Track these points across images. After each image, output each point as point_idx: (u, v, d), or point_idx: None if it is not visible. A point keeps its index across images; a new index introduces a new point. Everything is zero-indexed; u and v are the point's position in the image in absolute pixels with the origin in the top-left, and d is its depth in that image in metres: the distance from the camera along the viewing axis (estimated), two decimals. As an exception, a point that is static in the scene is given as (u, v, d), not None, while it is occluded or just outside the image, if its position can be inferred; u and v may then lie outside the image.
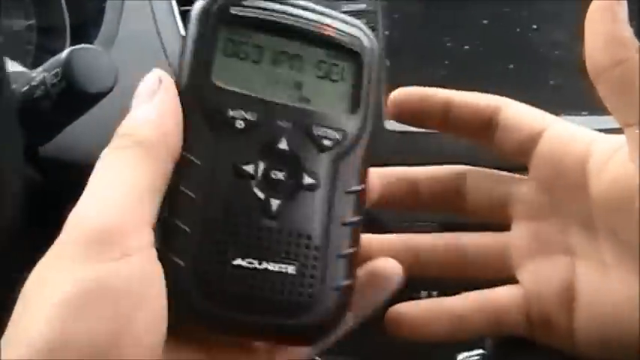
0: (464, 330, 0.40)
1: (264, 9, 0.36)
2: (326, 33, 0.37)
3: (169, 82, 0.35)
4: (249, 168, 0.34)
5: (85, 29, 0.76)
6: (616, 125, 0.37)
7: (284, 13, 0.36)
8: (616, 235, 0.37)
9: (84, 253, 0.30)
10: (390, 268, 0.38)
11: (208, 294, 0.33)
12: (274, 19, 0.36)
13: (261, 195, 0.34)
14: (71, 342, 0.28)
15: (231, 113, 0.34)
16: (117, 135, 0.34)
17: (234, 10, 0.35)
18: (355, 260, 0.36)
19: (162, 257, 0.32)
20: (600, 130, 0.40)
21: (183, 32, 0.65)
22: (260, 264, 0.34)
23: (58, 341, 0.28)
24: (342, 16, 0.38)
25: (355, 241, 0.36)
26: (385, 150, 0.59)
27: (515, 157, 0.41)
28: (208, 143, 0.34)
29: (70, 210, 0.31)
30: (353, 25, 0.38)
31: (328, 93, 0.37)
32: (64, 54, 0.54)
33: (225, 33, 0.35)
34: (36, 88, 0.54)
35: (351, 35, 0.37)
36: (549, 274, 0.40)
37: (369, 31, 0.38)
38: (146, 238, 0.32)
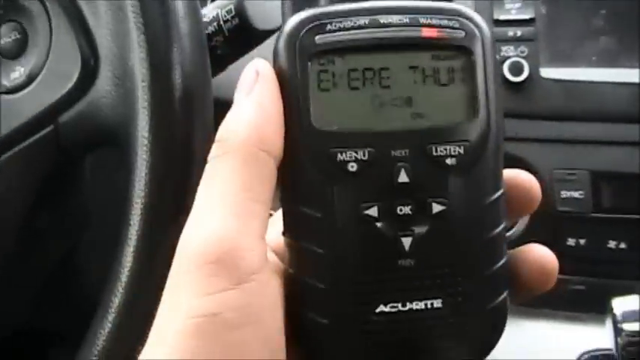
0: None
1: (352, 27, 0.33)
2: (426, 34, 0.33)
3: (268, 75, 0.33)
4: (373, 211, 0.32)
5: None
6: None
7: (372, 25, 0.33)
8: None
9: (196, 285, 0.29)
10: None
11: (357, 348, 0.33)
12: (364, 35, 0.33)
13: (390, 235, 0.32)
14: None
15: (340, 158, 0.32)
16: (215, 142, 0.32)
17: (319, 39, 0.33)
18: (505, 271, 0.34)
19: (302, 317, 0.32)
20: None
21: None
22: (404, 306, 0.32)
23: None
24: (438, 5, 0.34)
25: (502, 251, 0.34)
26: (542, 99, 0.60)
27: None
28: (324, 193, 0.32)
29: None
30: (454, 14, 0.34)
31: (442, 101, 0.33)
32: (237, -8, 0.56)
33: (315, 67, 0.33)
34: (209, 24, 0.57)
35: (454, 28, 0.34)
36: None
37: (473, 15, 0.34)
38: (261, 255, 0.31)
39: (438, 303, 0.32)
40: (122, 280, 0.46)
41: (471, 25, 0.34)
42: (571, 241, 0.60)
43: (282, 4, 0.37)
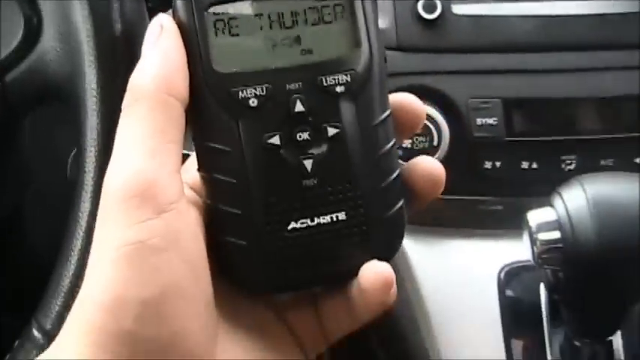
0: None
1: None
2: None
3: (171, 28, 0.35)
4: (275, 140, 0.36)
5: None
6: None
7: None
8: None
9: (122, 218, 0.32)
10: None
11: (275, 263, 0.36)
12: None
13: (293, 159, 0.36)
14: (124, 302, 0.32)
15: (241, 95, 0.35)
16: (127, 91, 0.35)
17: None
18: (399, 182, 0.38)
19: (221, 242, 0.36)
20: None
21: None
22: (312, 221, 0.36)
23: (114, 300, 0.32)
24: None
25: (395, 165, 0.38)
26: (455, 34, 0.63)
27: None
28: (230, 128, 0.35)
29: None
30: None
31: (327, 37, 0.37)
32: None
33: (211, 16, 0.36)
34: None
35: None
36: None
37: None
38: (178, 187, 0.34)
39: (342, 215, 0.36)
40: (82, 224, 0.49)
41: None
42: (488, 164, 0.63)
43: None
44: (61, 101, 0.53)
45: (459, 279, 0.65)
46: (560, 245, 0.50)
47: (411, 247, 0.65)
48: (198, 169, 0.37)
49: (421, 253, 0.66)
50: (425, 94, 0.61)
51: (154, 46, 0.35)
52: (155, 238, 0.32)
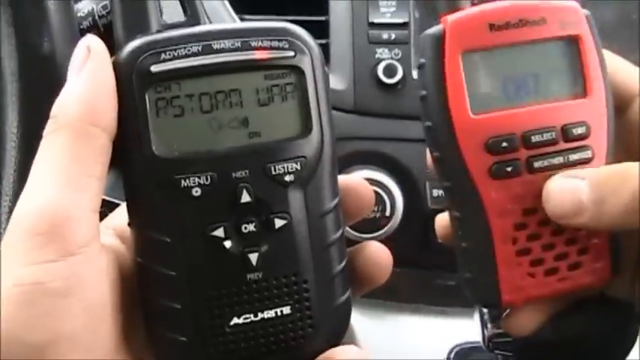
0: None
1: (186, 55, 0.33)
2: (257, 57, 0.34)
3: (99, 51, 0.33)
4: (219, 232, 0.33)
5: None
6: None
7: (206, 51, 0.34)
8: None
9: (25, 253, 0.30)
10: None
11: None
12: (198, 61, 0.33)
13: (237, 253, 0.34)
14: (8, 342, 0.29)
15: (184, 184, 0.33)
16: (50, 118, 0.32)
17: (155, 68, 0.33)
18: (346, 270, 0.36)
19: (160, 337, 0.34)
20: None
21: None
22: (256, 316, 0.34)
23: (3, 338, 0.29)
24: (268, 26, 0.35)
25: (343, 254, 0.36)
26: (414, 100, 0.61)
27: None
28: (172, 218, 0.33)
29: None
30: (284, 35, 0.35)
31: (277, 119, 0.35)
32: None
33: (153, 95, 0.33)
34: (84, 19, 0.56)
35: (284, 49, 0.35)
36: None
37: (302, 34, 0.36)
38: (91, 228, 0.31)
39: (287, 309, 0.34)
40: None
41: (300, 44, 0.35)
42: (442, 238, 0.61)
43: (114, 25, 0.36)
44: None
45: (408, 358, 0.62)
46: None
47: (360, 320, 0.62)
48: (136, 257, 0.34)
49: (370, 328, 0.63)
50: (380, 161, 0.60)
51: (79, 70, 0.32)
52: (56, 281, 0.30)
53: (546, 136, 0.38)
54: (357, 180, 0.38)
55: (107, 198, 0.55)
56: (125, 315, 0.34)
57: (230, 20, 0.64)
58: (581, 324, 0.44)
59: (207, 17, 0.64)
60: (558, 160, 0.38)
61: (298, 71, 0.35)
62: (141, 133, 0.33)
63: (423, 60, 0.39)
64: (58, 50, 0.47)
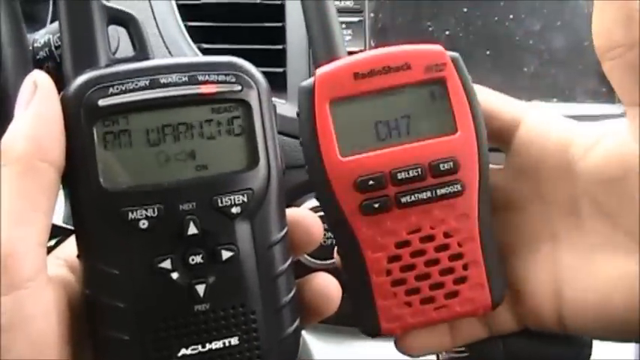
0: (459, 337, 0.43)
1: (133, 89, 0.34)
2: (204, 91, 0.35)
3: (46, 86, 0.33)
4: (166, 264, 0.34)
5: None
6: (585, 113, 0.38)
7: (153, 86, 0.34)
8: (604, 213, 0.39)
9: None
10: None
11: None
12: (145, 96, 0.34)
13: (184, 284, 0.34)
14: None
15: (131, 216, 0.33)
16: None
17: (103, 102, 0.34)
18: (295, 301, 0.37)
19: None
20: (569, 117, 0.42)
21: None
22: (204, 347, 0.35)
23: None
24: (215, 60, 0.36)
25: (291, 285, 0.37)
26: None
27: (494, 144, 0.42)
28: (119, 250, 0.34)
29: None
30: (231, 69, 0.36)
31: (224, 152, 0.35)
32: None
33: (101, 129, 0.34)
34: (40, 49, 0.56)
35: (231, 82, 0.35)
36: (535, 271, 0.41)
37: (250, 67, 0.36)
38: (37, 263, 0.32)
39: (234, 340, 0.35)
40: None
41: (247, 78, 0.36)
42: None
43: (63, 59, 0.37)
44: None
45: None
46: (465, 354, 0.48)
47: (316, 345, 0.62)
48: (84, 289, 0.35)
49: (327, 353, 0.63)
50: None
51: (26, 106, 0.32)
52: (0, 316, 0.30)
53: (412, 173, 0.40)
54: (304, 212, 0.38)
55: (65, 225, 0.55)
56: (73, 346, 0.34)
57: (189, 50, 0.64)
58: (532, 345, 0.45)
59: (167, 47, 0.65)
60: (426, 194, 0.40)
61: (245, 105, 0.35)
62: (88, 167, 0.33)
63: (298, 110, 0.40)
64: (10, 82, 0.48)
